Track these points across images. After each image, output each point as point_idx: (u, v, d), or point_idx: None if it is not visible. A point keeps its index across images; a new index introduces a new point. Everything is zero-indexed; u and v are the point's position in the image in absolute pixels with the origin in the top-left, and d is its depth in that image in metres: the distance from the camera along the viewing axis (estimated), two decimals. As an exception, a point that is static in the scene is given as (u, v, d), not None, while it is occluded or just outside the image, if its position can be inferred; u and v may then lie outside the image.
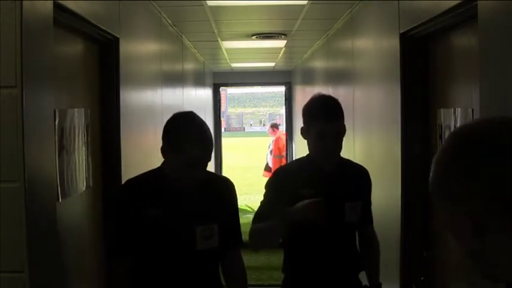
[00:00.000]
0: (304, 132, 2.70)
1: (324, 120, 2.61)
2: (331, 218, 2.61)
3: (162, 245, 2.34)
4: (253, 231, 2.67)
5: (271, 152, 12.44)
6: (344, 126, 2.69)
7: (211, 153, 2.33)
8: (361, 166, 2.89)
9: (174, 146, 2.30)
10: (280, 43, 7.07)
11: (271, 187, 2.73)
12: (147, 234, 2.33)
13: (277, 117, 28.89)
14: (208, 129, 2.35)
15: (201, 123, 2.35)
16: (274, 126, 13.09)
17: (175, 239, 2.34)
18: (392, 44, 3.23)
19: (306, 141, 2.74)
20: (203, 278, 2.42)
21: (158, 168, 2.41)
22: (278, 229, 2.61)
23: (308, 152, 2.76)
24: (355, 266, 2.77)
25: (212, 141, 2.34)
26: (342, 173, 2.74)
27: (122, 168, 3.14)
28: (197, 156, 2.27)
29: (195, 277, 2.39)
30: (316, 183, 2.65)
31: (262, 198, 2.76)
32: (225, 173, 13.05)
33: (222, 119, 12.27)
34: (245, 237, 2.58)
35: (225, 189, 2.51)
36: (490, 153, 0.99)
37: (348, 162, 2.85)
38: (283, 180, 2.71)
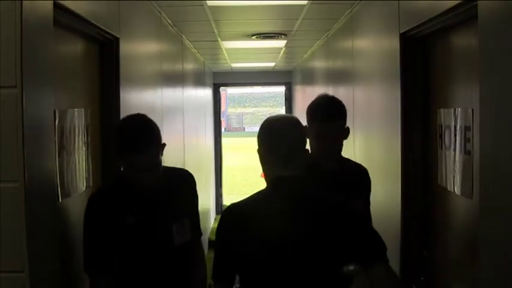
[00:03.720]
0: (307, 132, 2.71)
1: (323, 120, 2.63)
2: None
3: (139, 252, 2.39)
4: None
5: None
6: (343, 127, 2.70)
7: (151, 155, 2.27)
8: (360, 165, 2.90)
9: (116, 154, 2.34)
10: (280, 43, 7.06)
11: None
12: (123, 245, 2.36)
13: (277, 117, 28.85)
14: (147, 131, 2.29)
15: (138, 127, 2.29)
16: None
17: (156, 242, 2.40)
18: (392, 44, 3.23)
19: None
20: (182, 272, 2.51)
21: (120, 173, 2.46)
22: None
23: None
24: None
25: (150, 143, 2.27)
26: (343, 171, 2.76)
27: (122, 168, 3.14)
28: (137, 163, 2.25)
29: (174, 273, 2.47)
30: (318, 182, 2.66)
31: None
32: (225, 173, 13.03)
33: (222, 119, 12.25)
34: None
35: (185, 183, 2.59)
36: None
37: (348, 161, 2.86)
38: None
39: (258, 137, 2.05)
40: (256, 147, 2.06)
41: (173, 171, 2.57)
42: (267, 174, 2.07)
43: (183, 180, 2.58)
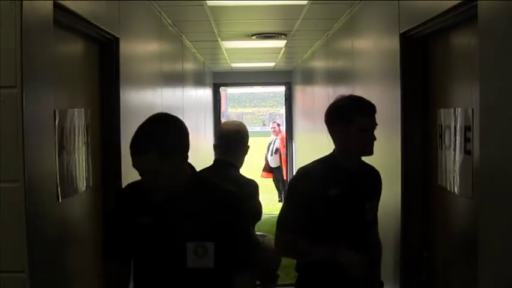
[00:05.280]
0: (341, 129, 2.70)
1: (367, 115, 2.67)
2: (354, 216, 2.67)
3: (151, 257, 2.22)
4: (288, 245, 2.69)
5: (273, 152, 12.40)
6: None
7: (147, 159, 2.07)
8: (373, 166, 2.92)
9: None
10: (280, 43, 7.06)
11: (298, 190, 2.72)
12: (138, 243, 2.24)
13: (277, 117, 28.91)
14: (151, 133, 2.12)
15: (146, 128, 2.15)
16: (279, 126, 13.10)
17: (164, 254, 2.18)
18: (393, 44, 3.23)
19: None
20: None
21: None
22: (320, 258, 2.64)
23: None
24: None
25: (147, 147, 2.08)
26: (363, 172, 2.78)
27: (122, 168, 3.14)
28: (135, 165, 2.12)
29: None
30: (343, 183, 2.68)
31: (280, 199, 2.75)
32: (225, 173, 12.94)
33: (222, 119, 12.25)
34: None
35: (223, 201, 2.22)
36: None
37: (364, 162, 2.88)
38: (311, 181, 2.69)
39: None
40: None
41: (213, 187, 2.27)
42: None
43: (222, 199, 2.22)
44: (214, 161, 3.23)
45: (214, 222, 2.16)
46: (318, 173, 2.73)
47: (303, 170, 2.85)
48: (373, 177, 2.89)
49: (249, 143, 3.29)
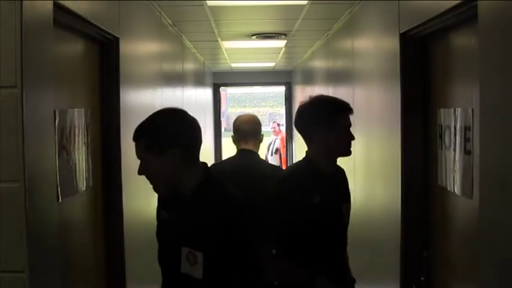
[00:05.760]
0: (321, 131, 2.65)
1: (348, 113, 2.67)
2: (336, 220, 2.65)
3: (160, 259, 2.28)
4: (276, 269, 2.60)
5: (273, 152, 12.39)
6: None
7: (141, 150, 2.08)
8: (340, 166, 2.90)
9: None
10: (280, 43, 7.06)
11: (282, 198, 2.63)
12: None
13: (277, 117, 28.90)
14: (147, 124, 2.11)
15: (149, 117, 2.15)
16: (279, 126, 13.09)
17: (167, 256, 2.19)
18: (393, 44, 3.23)
19: (302, 141, 2.77)
20: None
21: None
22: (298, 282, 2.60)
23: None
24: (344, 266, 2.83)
25: (139, 135, 2.08)
26: (337, 173, 2.78)
27: (122, 168, 3.14)
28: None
29: None
30: (321, 188, 2.65)
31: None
32: (225, 173, 12.92)
33: (222, 119, 12.25)
34: None
35: (223, 212, 2.04)
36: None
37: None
38: (291, 189, 2.64)
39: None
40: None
41: (221, 189, 2.13)
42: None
43: (221, 207, 2.05)
44: (238, 151, 3.58)
45: (208, 230, 2.03)
46: (296, 180, 2.67)
47: (283, 177, 2.79)
48: (342, 178, 2.88)
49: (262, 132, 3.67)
